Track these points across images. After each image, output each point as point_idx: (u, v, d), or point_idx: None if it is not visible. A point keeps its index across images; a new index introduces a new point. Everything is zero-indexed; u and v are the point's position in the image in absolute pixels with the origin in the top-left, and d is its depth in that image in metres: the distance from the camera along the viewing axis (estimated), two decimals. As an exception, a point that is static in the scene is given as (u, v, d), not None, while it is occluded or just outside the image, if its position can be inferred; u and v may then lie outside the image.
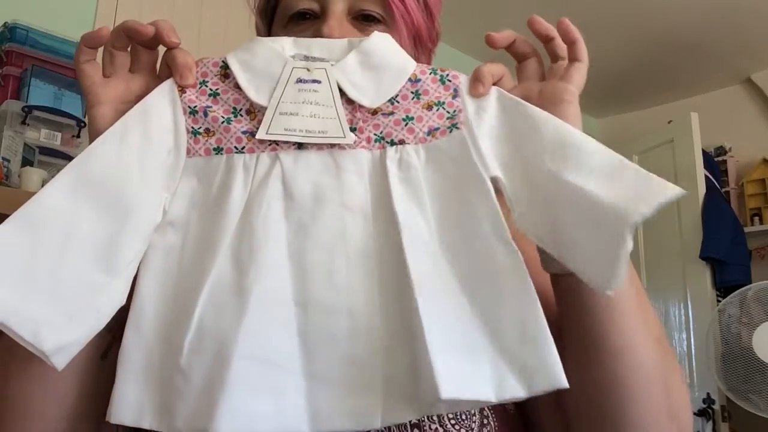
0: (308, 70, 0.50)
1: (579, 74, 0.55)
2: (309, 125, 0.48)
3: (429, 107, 0.50)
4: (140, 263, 0.45)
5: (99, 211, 0.43)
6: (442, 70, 0.52)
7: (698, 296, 2.73)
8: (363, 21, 0.58)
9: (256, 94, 0.49)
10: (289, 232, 0.45)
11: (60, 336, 0.40)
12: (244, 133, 0.48)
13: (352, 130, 0.48)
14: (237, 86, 0.50)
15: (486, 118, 0.49)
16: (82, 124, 1.40)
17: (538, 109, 0.49)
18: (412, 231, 0.45)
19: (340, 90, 0.49)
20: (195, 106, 0.49)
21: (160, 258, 0.45)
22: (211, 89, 0.51)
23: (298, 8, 0.58)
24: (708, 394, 2.60)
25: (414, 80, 0.51)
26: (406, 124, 0.49)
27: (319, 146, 0.48)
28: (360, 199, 0.46)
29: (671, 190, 0.41)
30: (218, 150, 0.48)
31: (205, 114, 0.49)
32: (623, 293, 0.47)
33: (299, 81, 0.49)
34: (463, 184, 0.47)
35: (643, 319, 0.49)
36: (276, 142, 0.48)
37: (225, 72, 0.51)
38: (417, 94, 0.50)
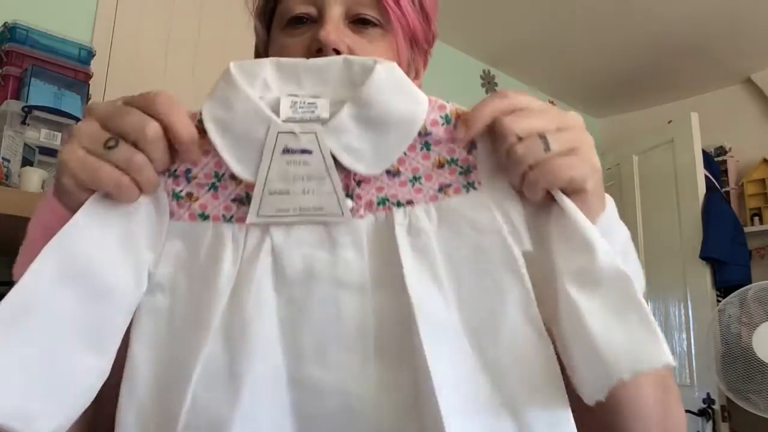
0: (295, 135, 0.43)
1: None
2: (303, 203, 0.43)
3: (440, 165, 0.44)
4: (131, 326, 0.43)
5: (85, 297, 0.41)
6: (458, 116, 0.45)
7: (698, 296, 2.73)
8: (360, 25, 0.58)
9: (239, 166, 0.43)
10: (281, 308, 0.43)
11: (54, 421, 0.39)
12: (233, 200, 0.45)
13: (350, 196, 0.44)
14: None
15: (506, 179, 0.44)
16: (82, 124, 1.40)
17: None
18: (427, 311, 0.41)
19: (334, 157, 0.43)
20: (175, 169, 0.45)
21: (151, 322, 0.43)
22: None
23: (296, 12, 0.58)
24: (708, 394, 2.60)
25: (424, 133, 0.44)
26: (413, 185, 0.44)
27: (311, 219, 0.44)
28: (357, 275, 0.43)
29: (662, 360, 0.37)
30: (204, 216, 0.45)
31: (187, 177, 0.45)
32: (641, 398, 0.49)
33: (286, 151, 0.43)
34: (486, 257, 0.42)
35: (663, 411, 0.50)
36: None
37: (202, 127, 0.44)
38: (426, 147, 0.44)
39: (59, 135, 1.36)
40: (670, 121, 3.12)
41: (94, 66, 1.58)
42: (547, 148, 0.42)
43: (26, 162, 1.26)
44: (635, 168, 3.18)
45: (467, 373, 0.41)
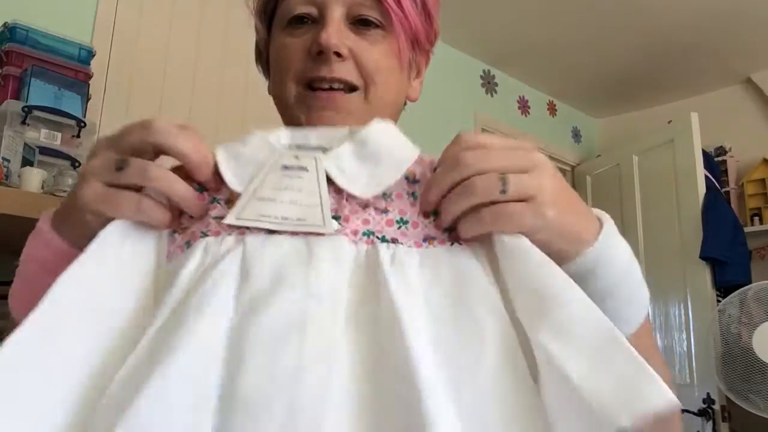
0: (297, 157, 0.46)
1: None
2: (286, 212, 0.43)
3: (426, 216, 0.45)
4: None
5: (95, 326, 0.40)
6: None
7: (698, 296, 2.73)
8: (361, 26, 0.58)
9: (233, 178, 0.45)
10: (235, 314, 0.38)
11: None
12: (215, 218, 0.44)
13: (337, 218, 0.43)
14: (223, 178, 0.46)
15: (495, 240, 0.43)
16: (82, 124, 1.40)
17: (524, 244, 0.42)
18: (414, 337, 0.38)
19: (329, 179, 0.44)
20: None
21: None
22: (197, 185, 0.46)
23: (296, 12, 0.58)
24: (708, 394, 2.60)
25: (412, 180, 0.46)
26: (399, 227, 0.44)
27: (294, 232, 0.42)
28: (331, 289, 0.40)
29: (664, 399, 0.34)
30: (188, 244, 0.44)
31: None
32: None
33: (285, 168, 0.45)
34: (467, 299, 0.40)
35: None
36: (248, 229, 0.43)
37: (216, 167, 0.46)
38: (414, 196, 0.45)
39: (59, 135, 1.36)
40: (670, 121, 3.12)
41: (94, 66, 1.58)
42: (503, 190, 0.41)
43: (26, 162, 1.26)
44: (635, 168, 3.18)
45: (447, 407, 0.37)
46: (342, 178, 0.45)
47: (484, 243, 0.43)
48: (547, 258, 0.41)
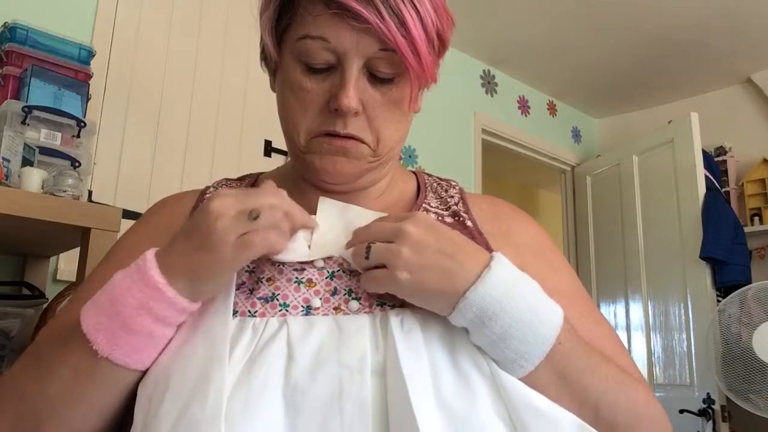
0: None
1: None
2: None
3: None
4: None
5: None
6: None
7: (698, 296, 2.73)
8: (376, 80, 0.58)
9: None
10: (287, 390, 0.47)
11: None
12: (259, 299, 0.54)
13: (357, 299, 0.54)
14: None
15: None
16: (82, 124, 1.40)
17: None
18: (418, 396, 0.46)
19: (351, 270, 0.56)
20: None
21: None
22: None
23: (315, 62, 0.57)
24: (708, 394, 2.60)
25: None
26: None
27: (324, 312, 0.53)
28: (358, 357, 0.49)
29: None
30: (234, 312, 0.53)
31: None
32: (548, 393, 0.52)
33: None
34: (459, 357, 0.50)
35: (577, 403, 0.53)
36: (287, 308, 0.53)
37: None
38: None
39: (59, 135, 1.36)
40: (670, 121, 3.12)
41: (94, 66, 1.58)
42: (366, 256, 0.53)
43: (26, 162, 1.26)
44: (635, 168, 3.18)
45: None
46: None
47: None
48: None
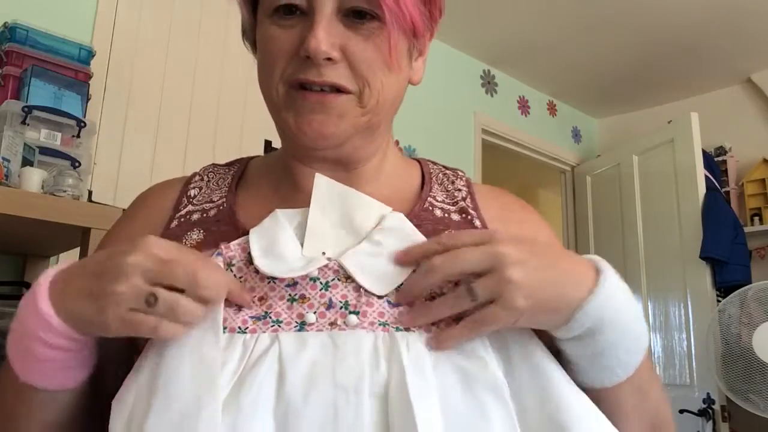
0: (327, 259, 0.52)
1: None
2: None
3: (433, 298, 0.50)
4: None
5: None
6: None
7: (698, 296, 2.73)
8: (354, 18, 0.53)
9: (267, 266, 0.51)
10: (278, 412, 0.44)
11: None
12: (251, 317, 0.50)
13: (356, 313, 0.49)
14: (257, 270, 0.51)
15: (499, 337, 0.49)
16: (82, 124, 1.40)
17: (545, 359, 0.48)
18: (426, 418, 0.43)
19: (348, 275, 0.50)
20: None
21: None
22: (235, 274, 0.52)
23: (284, 2, 0.53)
24: (708, 394, 2.60)
25: None
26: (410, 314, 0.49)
27: (319, 328, 0.48)
28: (355, 377, 0.45)
29: None
30: (223, 328, 0.49)
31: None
32: (624, 405, 0.51)
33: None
34: (474, 380, 0.46)
35: (639, 416, 0.52)
36: (279, 325, 0.49)
37: (249, 253, 0.52)
38: None
39: (59, 135, 1.36)
40: (670, 121, 3.12)
41: (94, 66, 1.58)
42: (473, 299, 0.46)
43: (26, 162, 1.26)
44: (635, 168, 3.18)
45: None
46: (361, 277, 0.50)
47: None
48: (554, 363, 0.47)
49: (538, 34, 2.91)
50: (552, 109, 3.62)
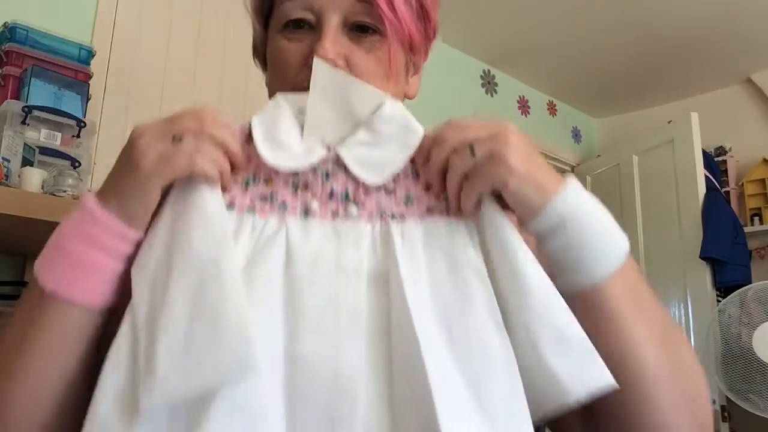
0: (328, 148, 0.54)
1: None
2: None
3: (427, 187, 0.53)
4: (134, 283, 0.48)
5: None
6: None
7: (698, 296, 2.73)
8: (358, 32, 0.58)
9: (272, 157, 0.52)
10: (286, 289, 0.48)
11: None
12: (259, 198, 0.52)
13: (356, 203, 0.52)
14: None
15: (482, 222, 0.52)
16: (82, 124, 1.40)
17: (513, 236, 0.50)
18: (416, 300, 0.47)
19: (345, 167, 0.52)
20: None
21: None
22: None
23: (293, 17, 0.58)
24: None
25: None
26: (406, 204, 0.53)
27: (323, 216, 0.52)
28: (355, 265, 0.49)
29: (606, 380, 0.46)
30: (230, 206, 0.52)
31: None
32: (617, 307, 0.50)
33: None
34: (459, 267, 0.50)
35: (643, 323, 0.51)
36: (285, 209, 0.52)
37: (250, 135, 0.53)
38: (416, 173, 0.54)
39: (59, 135, 1.36)
40: (670, 121, 3.13)
41: (94, 66, 1.58)
42: (473, 153, 0.50)
43: (26, 162, 1.26)
44: (635, 168, 3.18)
45: (442, 357, 0.47)
46: (357, 168, 0.52)
47: (475, 219, 0.52)
48: (508, 229, 0.50)
49: (538, 34, 2.91)
50: (552, 109, 3.62)
